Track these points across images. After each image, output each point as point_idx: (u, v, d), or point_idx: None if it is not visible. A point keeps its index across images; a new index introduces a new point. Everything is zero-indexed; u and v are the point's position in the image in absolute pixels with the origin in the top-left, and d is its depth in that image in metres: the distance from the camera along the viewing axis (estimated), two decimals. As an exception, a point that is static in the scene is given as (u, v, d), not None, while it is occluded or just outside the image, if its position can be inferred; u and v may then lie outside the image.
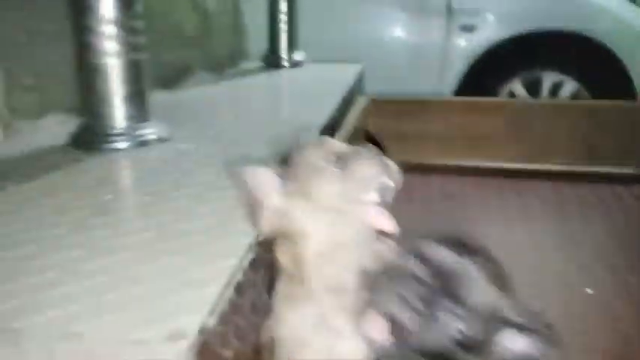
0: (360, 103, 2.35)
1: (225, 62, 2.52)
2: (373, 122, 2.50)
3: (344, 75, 2.40)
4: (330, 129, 1.84)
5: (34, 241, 0.83)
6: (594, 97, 3.27)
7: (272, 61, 2.62)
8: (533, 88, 3.54)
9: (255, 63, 2.65)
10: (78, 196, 1.01)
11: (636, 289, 1.58)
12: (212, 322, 0.64)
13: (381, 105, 2.57)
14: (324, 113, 1.71)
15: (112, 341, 0.60)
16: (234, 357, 0.70)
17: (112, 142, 1.27)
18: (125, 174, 1.23)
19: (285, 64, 2.60)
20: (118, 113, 1.28)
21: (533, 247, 1.84)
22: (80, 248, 0.80)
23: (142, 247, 0.81)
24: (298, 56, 2.67)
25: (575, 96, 3.35)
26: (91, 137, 1.29)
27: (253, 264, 0.79)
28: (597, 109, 2.51)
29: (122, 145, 1.28)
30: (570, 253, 1.81)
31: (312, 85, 2.29)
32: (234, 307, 0.71)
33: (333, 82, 2.27)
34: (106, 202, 0.98)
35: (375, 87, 2.69)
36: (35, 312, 0.64)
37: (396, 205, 0.70)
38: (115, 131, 1.28)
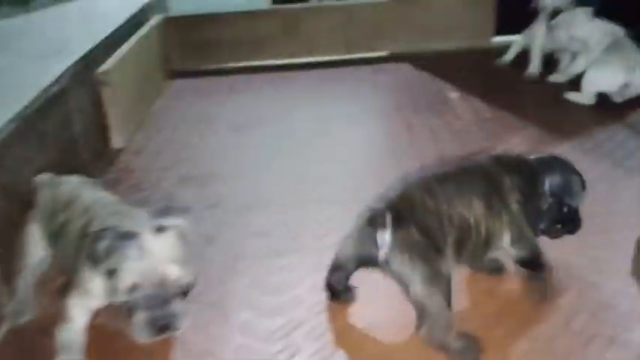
0: (153, 22, 2.81)
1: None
2: (172, 36, 2.97)
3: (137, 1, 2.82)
4: (115, 44, 2.32)
5: None
6: None
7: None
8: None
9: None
10: None
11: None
12: None
13: (178, 21, 3.03)
14: (105, 31, 2.25)
15: None
16: None
17: None
18: None
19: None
20: None
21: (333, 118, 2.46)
22: None
23: None
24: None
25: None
26: None
27: None
28: (352, 9, 3.10)
29: None
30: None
31: (105, 11, 2.72)
32: None
33: (123, 7, 2.71)
34: None
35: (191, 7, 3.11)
36: None
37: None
38: None
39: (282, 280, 1.44)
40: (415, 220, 1.18)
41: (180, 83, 2.93)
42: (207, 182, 1.95)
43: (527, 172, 1.34)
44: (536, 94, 2.60)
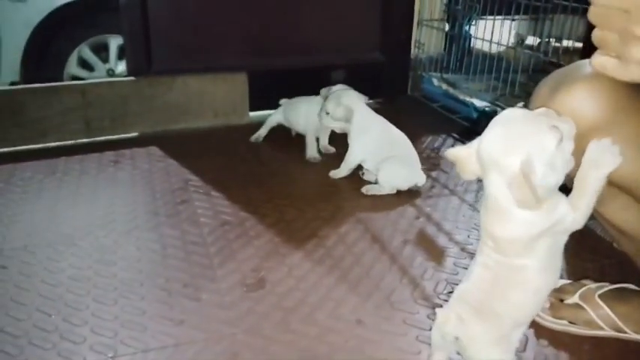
0: None
1: None
2: None
3: None
4: None
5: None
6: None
7: None
8: (104, 51, 3.68)
9: None
10: None
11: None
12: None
13: None
14: None
15: None
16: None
17: None
18: None
19: None
20: None
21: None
22: None
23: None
24: None
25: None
26: None
27: None
28: (87, 88, 2.70)
29: None
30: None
31: None
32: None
33: None
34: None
35: None
36: None
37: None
38: None
39: None
40: None
41: None
42: None
43: None
44: (308, 183, 2.39)
